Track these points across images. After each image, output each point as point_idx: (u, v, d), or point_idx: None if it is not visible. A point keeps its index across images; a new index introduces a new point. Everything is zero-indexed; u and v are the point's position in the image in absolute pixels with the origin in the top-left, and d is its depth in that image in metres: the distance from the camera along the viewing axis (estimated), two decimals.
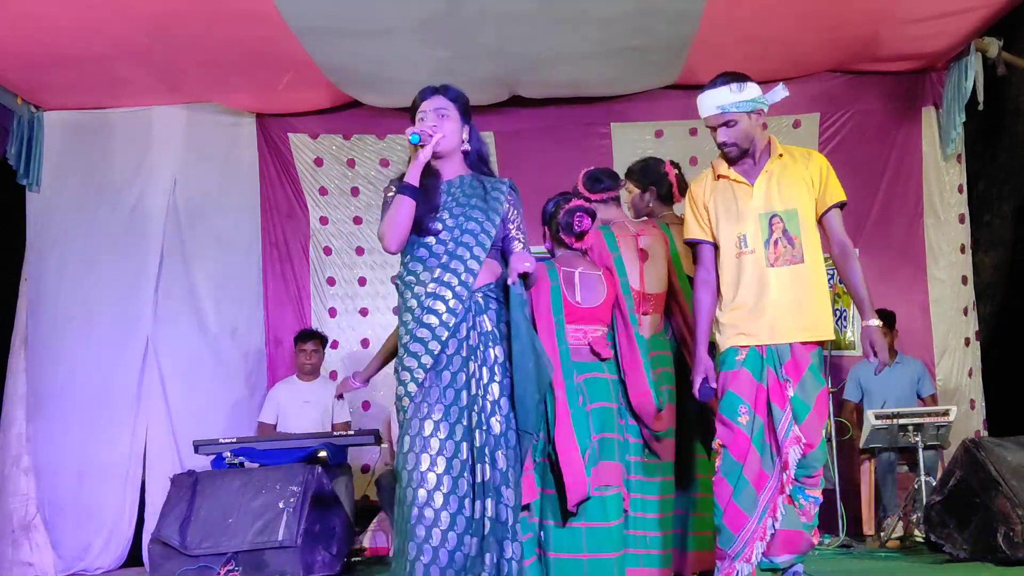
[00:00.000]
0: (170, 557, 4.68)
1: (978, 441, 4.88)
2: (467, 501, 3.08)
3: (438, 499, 3.05)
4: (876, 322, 3.56)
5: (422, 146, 3.23)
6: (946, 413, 5.70)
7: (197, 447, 5.40)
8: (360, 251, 6.78)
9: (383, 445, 5.78)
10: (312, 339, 6.33)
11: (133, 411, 6.30)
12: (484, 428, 3.12)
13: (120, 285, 6.39)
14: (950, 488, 4.77)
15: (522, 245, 3.35)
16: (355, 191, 6.81)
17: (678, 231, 4.07)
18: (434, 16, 5.36)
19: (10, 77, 6.03)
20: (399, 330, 3.24)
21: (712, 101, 3.58)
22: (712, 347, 3.71)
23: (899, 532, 5.62)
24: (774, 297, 3.54)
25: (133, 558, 6.15)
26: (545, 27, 5.54)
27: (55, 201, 6.44)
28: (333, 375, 6.67)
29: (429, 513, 3.03)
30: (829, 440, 5.83)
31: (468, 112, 3.40)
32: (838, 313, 6.61)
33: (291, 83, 6.15)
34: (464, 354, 3.17)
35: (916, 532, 5.39)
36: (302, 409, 6.24)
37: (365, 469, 6.41)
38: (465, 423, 3.13)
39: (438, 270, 3.20)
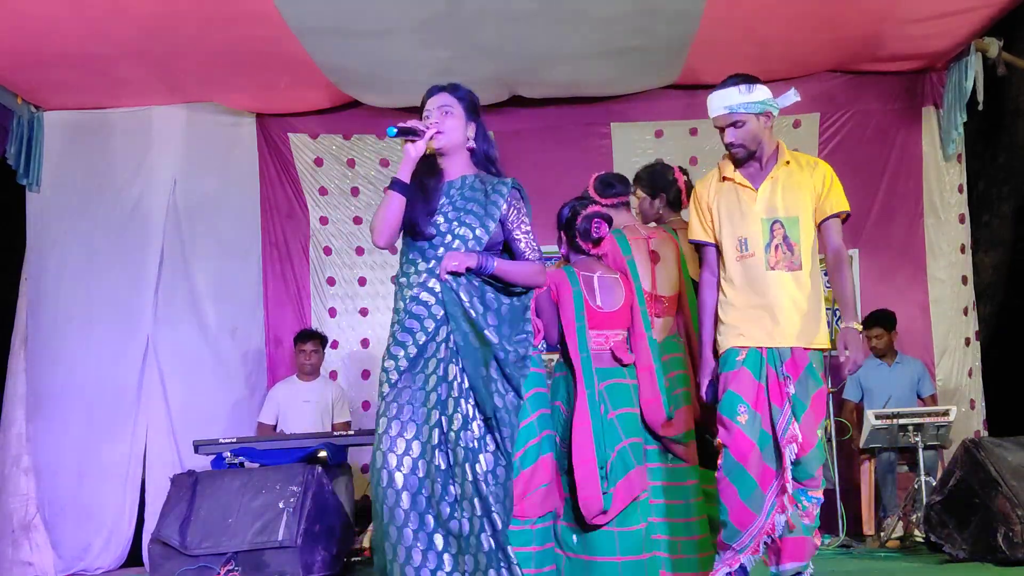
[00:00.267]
0: (170, 557, 4.68)
1: (978, 441, 4.89)
2: (438, 503, 3.06)
3: (406, 499, 3.04)
4: (857, 326, 3.60)
5: (412, 141, 3.20)
6: (946, 413, 5.70)
7: (197, 447, 5.40)
8: (360, 251, 6.78)
9: None
10: (312, 339, 6.34)
11: (133, 411, 6.30)
12: (468, 430, 3.11)
13: (120, 285, 6.39)
14: (950, 488, 4.77)
15: (526, 245, 3.31)
16: (355, 191, 6.80)
17: (684, 235, 4.08)
18: (434, 16, 5.36)
19: (10, 77, 6.02)
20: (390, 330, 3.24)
21: (721, 101, 3.57)
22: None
23: (899, 532, 5.62)
24: (773, 300, 3.54)
25: (133, 558, 6.15)
26: (545, 27, 5.54)
27: (55, 201, 6.44)
28: (333, 375, 6.67)
29: (399, 513, 3.03)
30: (829, 440, 5.83)
31: (475, 110, 3.36)
32: (838, 313, 6.58)
33: (291, 83, 6.16)
34: (441, 356, 3.16)
35: (916, 532, 5.39)
36: (302, 409, 6.25)
37: (365, 469, 6.41)
38: (438, 426, 3.12)
39: (425, 274, 3.19)
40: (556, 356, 4.03)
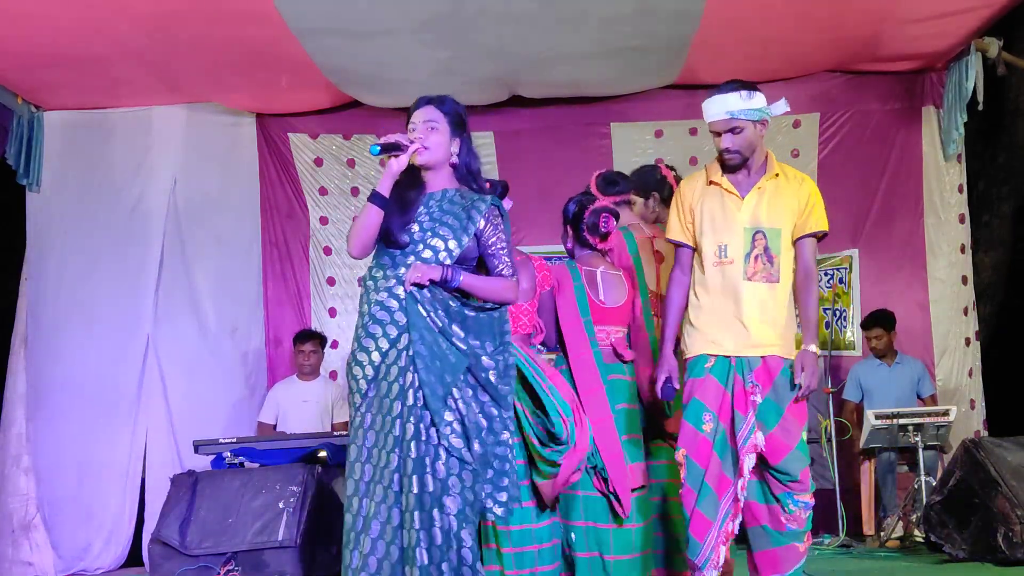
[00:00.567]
0: (170, 557, 4.67)
1: (978, 441, 4.89)
2: (392, 511, 3.10)
3: (370, 508, 3.11)
4: (814, 348, 3.57)
5: (395, 156, 3.21)
6: (946, 413, 5.71)
7: (197, 447, 5.39)
8: None
9: None
10: (311, 340, 6.34)
11: (133, 411, 6.30)
12: (422, 439, 3.11)
13: (120, 285, 6.39)
14: (950, 488, 4.78)
15: (500, 262, 3.30)
16: (355, 191, 6.80)
17: None
18: (434, 16, 5.36)
19: (10, 77, 6.02)
20: (354, 332, 3.27)
21: (721, 106, 3.54)
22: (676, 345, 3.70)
23: (899, 532, 5.62)
24: (747, 310, 3.53)
25: (133, 558, 6.15)
26: (545, 27, 5.54)
27: (55, 201, 6.44)
28: (333, 375, 6.67)
29: (360, 522, 3.10)
30: (829, 440, 5.84)
31: (462, 125, 3.35)
32: (838, 313, 6.61)
33: (291, 83, 6.15)
34: (402, 364, 3.16)
35: (916, 532, 5.39)
36: (302, 409, 6.25)
37: None
38: (397, 433, 3.13)
39: (392, 280, 3.20)
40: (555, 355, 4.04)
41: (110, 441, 6.23)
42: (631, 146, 6.70)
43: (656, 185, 4.38)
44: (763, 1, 5.45)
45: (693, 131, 6.62)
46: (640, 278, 4.01)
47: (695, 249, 3.66)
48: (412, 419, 3.12)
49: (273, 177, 6.77)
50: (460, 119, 3.34)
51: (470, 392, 3.17)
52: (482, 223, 3.27)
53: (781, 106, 3.60)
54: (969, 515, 4.62)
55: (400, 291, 3.18)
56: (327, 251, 6.79)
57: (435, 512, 3.08)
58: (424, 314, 3.16)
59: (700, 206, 3.63)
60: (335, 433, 5.84)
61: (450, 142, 3.31)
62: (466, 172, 3.36)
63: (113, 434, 6.24)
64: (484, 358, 3.19)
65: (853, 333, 6.61)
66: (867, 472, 6.11)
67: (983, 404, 6.49)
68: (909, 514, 5.53)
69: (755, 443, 3.46)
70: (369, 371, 3.17)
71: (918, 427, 5.62)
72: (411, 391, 3.14)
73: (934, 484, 5.22)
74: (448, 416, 3.13)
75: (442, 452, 3.11)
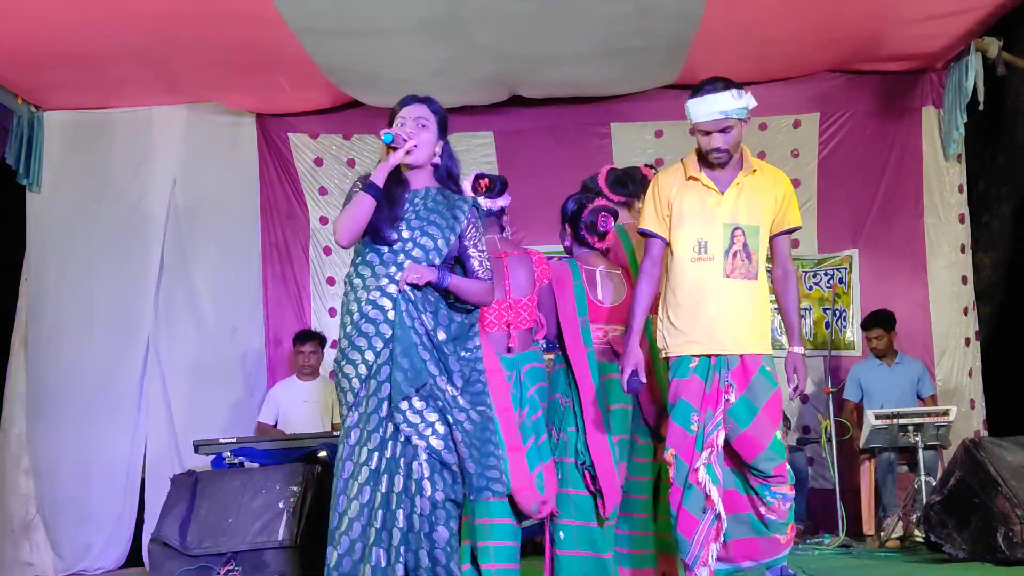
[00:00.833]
0: (170, 557, 4.66)
1: (978, 441, 4.88)
2: (368, 511, 3.12)
3: (354, 508, 3.13)
4: (801, 349, 3.59)
5: (394, 148, 3.24)
6: (946, 413, 5.70)
7: (197, 447, 5.38)
8: None
9: None
10: (310, 340, 6.34)
11: (133, 411, 6.30)
12: (401, 439, 3.14)
13: (120, 285, 6.39)
14: (950, 488, 4.77)
15: (479, 264, 3.36)
16: None
17: None
18: (434, 16, 5.36)
19: (10, 77, 6.02)
20: (340, 333, 3.27)
21: (714, 106, 3.53)
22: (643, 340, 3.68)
23: (899, 532, 5.62)
24: (727, 309, 3.52)
25: (133, 558, 6.15)
26: (545, 27, 5.54)
27: (55, 201, 6.44)
28: (333, 375, 6.66)
29: (345, 521, 3.12)
30: (829, 440, 5.84)
31: (445, 128, 3.41)
32: (838, 313, 6.61)
33: (291, 83, 6.15)
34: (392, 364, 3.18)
35: (916, 532, 5.39)
36: (302, 409, 6.25)
37: None
38: (382, 432, 3.16)
39: (384, 279, 3.22)
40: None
41: (110, 441, 6.23)
42: (631, 146, 6.70)
43: (646, 186, 4.38)
44: (763, 1, 5.45)
45: (693, 131, 6.61)
46: (635, 277, 4.01)
47: (667, 243, 3.64)
48: (397, 417, 3.15)
49: (273, 177, 6.77)
50: (445, 121, 3.41)
51: (451, 391, 3.20)
52: (465, 223, 3.33)
53: (752, 101, 3.59)
54: (969, 515, 4.62)
55: (392, 289, 3.19)
56: (327, 251, 6.79)
57: (400, 512, 3.10)
58: (417, 314, 3.19)
59: (679, 200, 3.61)
60: (335, 433, 5.84)
61: (435, 142, 3.37)
62: (446, 175, 3.42)
63: (113, 434, 6.24)
64: (457, 359, 3.24)
65: (853, 333, 6.61)
66: (867, 472, 6.11)
67: (983, 404, 6.49)
68: (909, 514, 5.53)
69: (715, 439, 3.48)
70: (363, 370, 3.18)
71: (918, 427, 5.62)
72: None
73: (934, 484, 5.22)
74: (431, 416, 3.15)
75: (421, 453, 3.13)
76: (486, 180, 3.97)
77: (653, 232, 3.65)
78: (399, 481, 3.12)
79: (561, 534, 3.78)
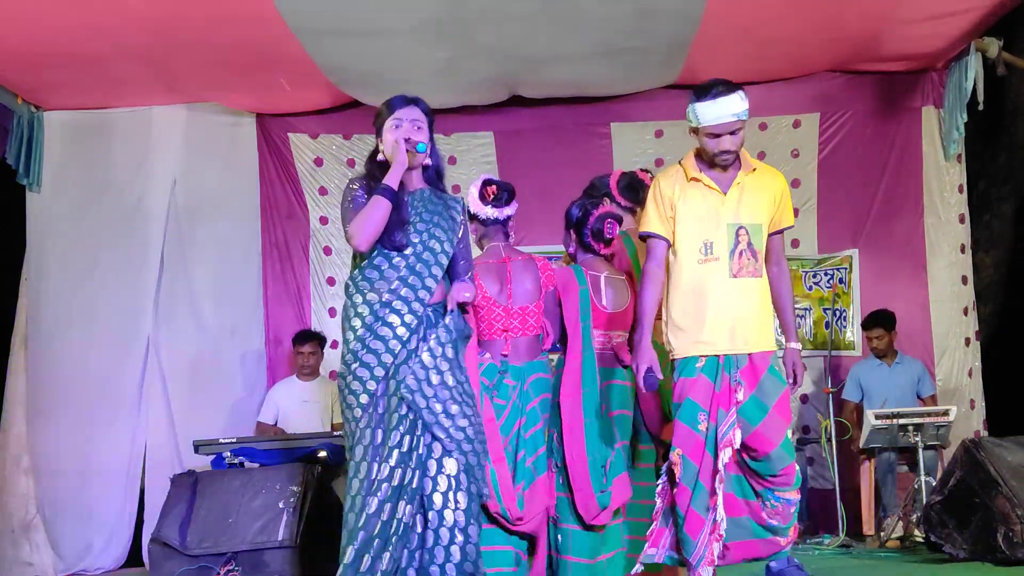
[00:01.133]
0: (170, 557, 4.67)
1: (978, 441, 4.88)
2: (387, 506, 3.15)
3: (374, 505, 3.15)
4: (798, 345, 3.63)
5: (411, 151, 3.29)
6: (946, 413, 5.70)
7: (197, 447, 5.39)
8: None
9: None
10: (310, 340, 6.33)
11: (133, 411, 6.30)
12: (419, 434, 3.19)
13: (120, 285, 6.39)
14: (950, 488, 4.77)
15: (466, 263, 3.46)
16: None
17: None
18: (434, 16, 5.36)
19: (10, 77, 6.02)
20: (346, 335, 3.28)
21: (726, 108, 3.52)
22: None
23: (899, 532, 5.62)
24: (736, 308, 3.53)
25: (133, 558, 6.15)
26: (545, 27, 5.54)
27: (55, 201, 6.44)
28: (333, 375, 6.66)
29: (374, 521, 3.13)
30: (829, 440, 5.84)
31: (433, 128, 3.46)
32: (838, 313, 6.61)
33: (291, 83, 6.15)
34: (411, 365, 3.22)
35: (916, 532, 5.39)
36: (302, 409, 6.25)
37: None
38: (403, 430, 3.19)
39: (396, 282, 3.24)
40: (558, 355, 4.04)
41: (110, 441, 6.23)
42: (631, 146, 6.70)
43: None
44: (764, 1, 5.45)
45: (696, 133, 6.61)
46: (639, 282, 4.01)
47: (671, 244, 3.64)
48: (419, 416, 3.19)
49: (273, 177, 6.77)
50: (433, 122, 3.45)
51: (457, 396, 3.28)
52: (461, 224, 3.41)
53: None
54: (969, 515, 4.62)
55: (407, 293, 3.22)
56: (327, 251, 6.79)
57: (406, 506, 3.15)
58: (447, 327, 3.30)
59: (683, 202, 3.61)
60: (335, 433, 5.84)
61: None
62: (435, 175, 3.46)
63: (113, 434, 6.24)
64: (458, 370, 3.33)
65: (853, 333, 6.61)
66: (867, 472, 6.11)
67: (983, 404, 6.49)
68: (909, 514, 5.53)
69: (731, 439, 3.48)
70: (379, 372, 3.19)
71: (918, 427, 5.62)
72: (418, 394, 3.20)
73: (934, 484, 5.22)
74: (453, 409, 3.22)
75: (452, 450, 3.19)
76: (494, 188, 3.93)
77: (657, 234, 3.64)
78: (412, 476, 3.16)
79: (560, 538, 3.78)
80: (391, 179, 3.25)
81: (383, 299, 3.22)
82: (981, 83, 6.07)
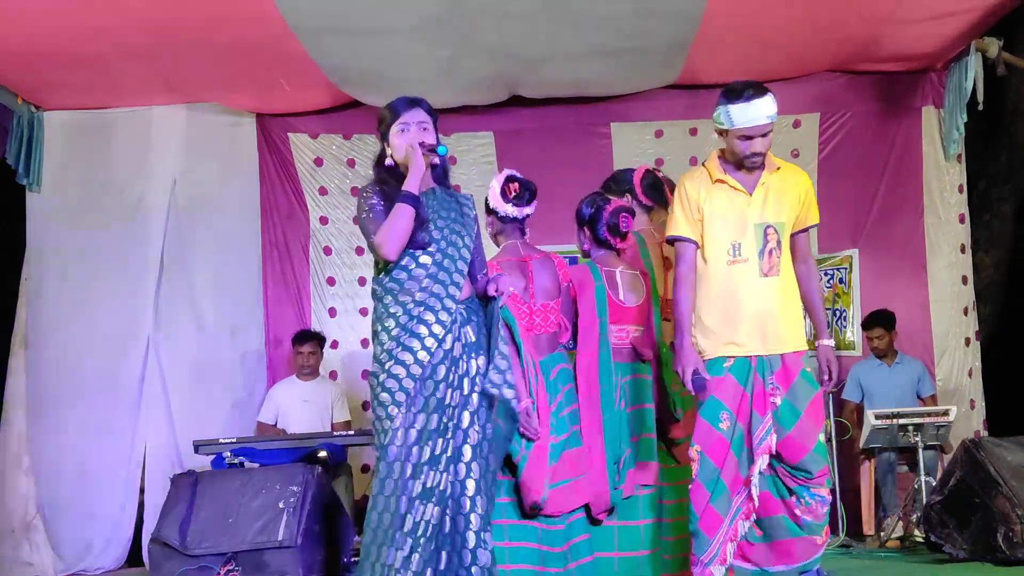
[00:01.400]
0: (170, 557, 4.67)
1: (978, 441, 4.89)
2: (419, 507, 3.16)
3: (405, 505, 3.15)
4: (830, 342, 3.65)
5: (426, 154, 3.30)
6: (946, 413, 5.70)
7: (197, 447, 5.39)
8: (360, 251, 6.77)
9: None
10: (310, 340, 6.33)
11: (133, 411, 6.30)
12: (449, 437, 3.20)
13: (120, 285, 6.38)
14: (950, 488, 4.77)
15: (484, 262, 3.51)
16: (355, 191, 6.78)
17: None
18: (434, 15, 5.35)
19: (10, 77, 6.02)
20: (380, 336, 3.27)
21: (761, 111, 3.50)
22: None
23: (899, 532, 5.62)
24: (767, 307, 3.55)
25: (133, 558, 6.14)
26: (545, 27, 5.54)
27: (55, 201, 6.43)
28: (333, 375, 6.67)
29: (409, 521, 3.13)
30: (829, 440, 5.83)
31: (437, 127, 3.46)
32: (838, 313, 6.61)
33: (291, 83, 6.15)
34: (447, 364, 3.22)
35: (916, 532, 5.39)
36: (302, 409, 6.25)
37: (365, 469, 6.41)
38: (436, 430, 3.19)
39: (426, 280, 3.24)
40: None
41: (110, 441, 6.22)
42: (631, 146, 6.70)
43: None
44: (764, 2, 5.45)
45: (693, 131, 6.63)
46: (652, 282, 4.03)
47: (699, 246, 3.65)
48: (455, 418, 3.23)
49: (273, 177, 6.77)
50: (437, 121, 3.46)
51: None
52: (475, 220, 3.43)
53: None
54: (969, 515, 4.62)
55: (439, 290, 3.24)
56: (327, 251, 6.79)
57: (434, 508, 3.17)
58: (468, 314, 3.34)
59: (709, 204, 3.62)
60: (335, 433, 5.84)
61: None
62: (442, 173, 3.47)
63: (113, 434, 6.24)
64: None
65: (853, 333, 6.61)
66: (867, 472, 6.11)
67: (983, 404, 6.49)
68: (909, 514, 5.53)
69: (769, 444, 3.48)
70: (416, 370, 3.19)
71: (918, 427, 5.62)
72: (456, 391, 3.23)
73: (934, 484, 5.22)
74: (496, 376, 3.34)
75: (479, 449, 3.25)
76: (516, 185, 3.96)
77: (686, 237, 3.64)
78: (439, 478, 3.18)
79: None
80: (411, 185, 3.25)
81: (416, 298, 3.23)
82: (981, 83, 6.07)
